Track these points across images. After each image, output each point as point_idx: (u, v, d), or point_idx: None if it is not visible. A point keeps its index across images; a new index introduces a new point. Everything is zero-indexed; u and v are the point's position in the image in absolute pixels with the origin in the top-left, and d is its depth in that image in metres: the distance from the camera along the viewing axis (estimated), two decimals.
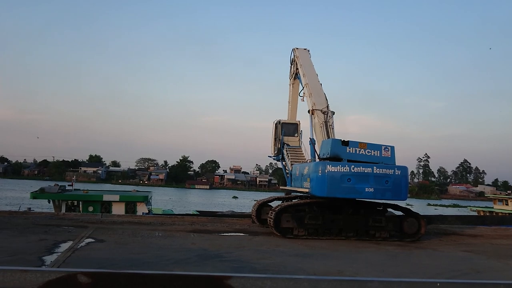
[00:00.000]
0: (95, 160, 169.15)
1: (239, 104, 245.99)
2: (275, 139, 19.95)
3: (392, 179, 14.27)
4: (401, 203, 15.51)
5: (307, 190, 14.93)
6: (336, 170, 14.10)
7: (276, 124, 20.05)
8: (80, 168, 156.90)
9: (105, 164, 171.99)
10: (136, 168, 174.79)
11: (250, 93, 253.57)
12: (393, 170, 14.34)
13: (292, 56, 20.60)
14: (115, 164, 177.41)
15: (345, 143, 14.75)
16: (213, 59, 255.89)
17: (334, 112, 17.45)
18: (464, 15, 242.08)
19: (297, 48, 20.24)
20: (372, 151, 14.70)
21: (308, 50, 20.14)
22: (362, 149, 14.66)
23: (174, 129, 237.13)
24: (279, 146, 19.64)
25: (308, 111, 17.89)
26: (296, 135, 19.80)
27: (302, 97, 19.39)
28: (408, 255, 12.56)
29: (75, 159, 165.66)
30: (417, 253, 12.83)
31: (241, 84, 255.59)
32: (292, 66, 20.75)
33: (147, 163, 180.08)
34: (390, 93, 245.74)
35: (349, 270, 9.73)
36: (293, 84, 20.95)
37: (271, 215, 14.72)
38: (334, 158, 14.62)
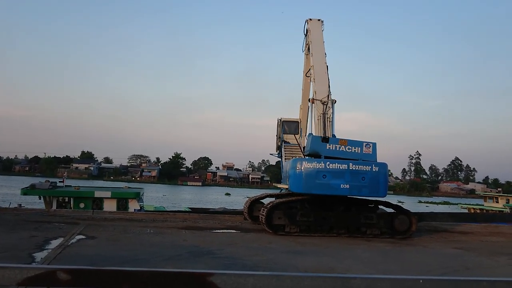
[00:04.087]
0: (87, 157, 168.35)
1: (233, 101, 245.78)
2: (278, 137, 19.84)
3: (369, 175, 14.32)
4: (393, 200, 15.57)
5: (287, 187, 15.08)
6: (311, 167, 14.25)
7: (278, 121, 19.94)
8: (72, 165, 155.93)
9: (97, 160, 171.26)
10: (128, 164, 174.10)
11: (244, 90, 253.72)
12: (370, 167, 14.40)
13: (307, 27, 19.33)
14: (107, 160, 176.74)
15: (325, 140, 14.89)
16: (205, 54, 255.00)
17: (335, 101, 16.68)
18: (461, 12, 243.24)
19: (310, 19, 19.04)
20: (353, 147, 14.77)
21: (322, 22, 18.98)
22: (343, 146, 14.76)
23: (167, 125, 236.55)
24: (279, 144, 19.58)
25: (309, 100, 17.27)
26: (297, 133, 19.64)
27: (309, 77, 18.28)
28: (399, 252, 12.62)
29: (66, 156, 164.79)
30: (408, 250, 12.90)
31: (235, 81, 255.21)
32: (306, 37, 19.59)
33: (139, 159, 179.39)
34: (387, 91, 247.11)
35: (340, 267, 9.76)
36: (307, 55, 19.72)
37: (263, 212, 14.76)
38: (314, 155, 14.77)
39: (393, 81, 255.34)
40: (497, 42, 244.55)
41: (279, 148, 19.62)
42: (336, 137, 15.79)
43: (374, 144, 14.99)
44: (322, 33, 18.59)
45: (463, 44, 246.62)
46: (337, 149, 14.75)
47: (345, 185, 14.18)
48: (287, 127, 19.35)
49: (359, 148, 14.77)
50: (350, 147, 14.77)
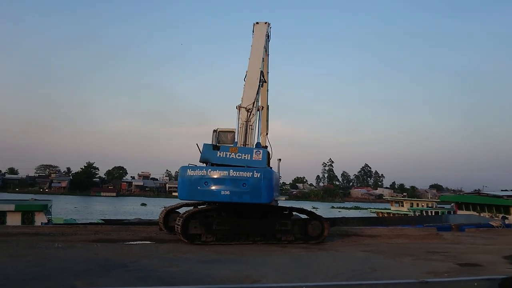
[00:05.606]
0: None
1: (147, 109, 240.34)
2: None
3: (250, 181, 14.46)
4: (307, 206, 16.06)
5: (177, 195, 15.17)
6: (194, 174, 14.46)
7: (214, 132, 19.69)
8: None
9: (0, 171, 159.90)
10: (36, 175, 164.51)
11: (156, 98, 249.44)
12: (251, 173, 14.53)
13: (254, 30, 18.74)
14: (11, 171, 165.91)
15: (216, 148, 15.14)
16: (115, 61, 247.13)
17: (263, 107, 16.49)
18: (367, 28, 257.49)
19: (257, 23, 18.53)
20: (243, 154, 14.98)
21: (269, 25, 18.41)
22: (233, 153, 14.99)
23: (77, 134, 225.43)
24: None
25: (236, 107, 16.91)
26: (233, 143, 19.51)
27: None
28: (312, 257, 13.00)
29: None
30: (320, 255, 13.32)
31: (148, 89, 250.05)
32: None
33: (48, 170, 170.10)
34: (302, 100, 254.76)
35: (256, 275, 9.83)
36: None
37: (178, 222, 14.58)
38: (205, 162, 14.99)
39: (307, 92, 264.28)
40: (400, 55, 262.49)
41: None
42: (261, 145, 16.03)
43: (264, 151, 15.35)
44: (263, 37, 18.02)
45: (370, 57, 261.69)
46: (227, 156, 14.92)
47: (226, 191, 14.34)
48: (223, 137, 19.17)
49: (249, 155, 14.96)
50: (240, 154, 14.95)
